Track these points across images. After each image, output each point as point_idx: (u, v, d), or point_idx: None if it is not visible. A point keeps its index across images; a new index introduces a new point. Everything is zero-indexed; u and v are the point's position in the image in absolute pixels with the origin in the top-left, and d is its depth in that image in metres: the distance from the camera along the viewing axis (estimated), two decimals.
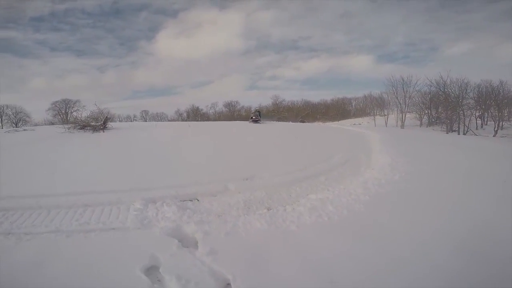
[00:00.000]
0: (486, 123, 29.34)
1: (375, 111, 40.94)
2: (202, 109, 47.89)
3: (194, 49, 71.33)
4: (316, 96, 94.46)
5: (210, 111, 48.41)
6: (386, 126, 34.85)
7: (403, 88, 34.16)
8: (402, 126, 32.74)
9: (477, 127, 28.70)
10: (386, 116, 37.15)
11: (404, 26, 74.25)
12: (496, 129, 25.88)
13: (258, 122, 15.49)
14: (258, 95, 77.16)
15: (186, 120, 38.58)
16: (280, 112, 55.87)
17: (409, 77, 34.02)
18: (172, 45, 66.30)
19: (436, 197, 4.19)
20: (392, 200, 4.09)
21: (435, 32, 71.03)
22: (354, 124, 41.14)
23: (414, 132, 21.36)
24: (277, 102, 52.40)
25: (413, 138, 12.43)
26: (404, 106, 34.25)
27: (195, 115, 46.15)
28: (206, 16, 70.74)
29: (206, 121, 37.32)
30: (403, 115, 33.83)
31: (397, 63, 63.41)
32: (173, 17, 78.16)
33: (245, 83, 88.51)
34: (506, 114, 29.64)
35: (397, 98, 34.78)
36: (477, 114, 29.34)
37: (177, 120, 42.45)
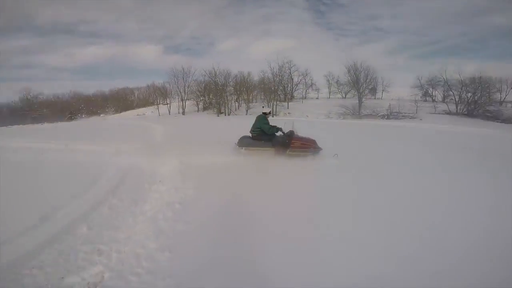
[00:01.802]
0: (241, 104, 38.53)
1: (158, 101, 40.72)
2: None
3: None
4: (93, 87, 79.50)
5: None
6: (170, 114, 35.93)
7: (183, 78, 36.26)
8: (183, 113, 35.42)
9: (235, 108, 36.85)
10: (168, 105, 38.09)
11: (193, 21, 78.73)
12: (247, 109, 34.74)
13: None
14: None
15: None
16: (35, 110, 40.73)
17: (188, 68, 36.57)
18: None
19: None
20: (199, 246, 2.79)
21: (215, 29, 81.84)
22: (138, 115, 38.50)
23: (192, 118, 23.32)
24: (29, 97, 38.50)
25: (191, 123, 13.26)
26: (184, 94, 36.58)
27: None
28: None
29: None
30: (184, 103, 36.28)
31: (181, 54, 66.80)
32: None
33: None
34: (251, 97, 40.34)
35: (178, 87, 36.53)
36: (234, 98, 37.57)
37: None
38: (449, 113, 27.48)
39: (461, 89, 28.14)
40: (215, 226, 3.16)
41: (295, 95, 40.15)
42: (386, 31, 73.21)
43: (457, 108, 27.72)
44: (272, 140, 5.97)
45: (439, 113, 27.46)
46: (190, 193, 4.02)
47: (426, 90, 33.75)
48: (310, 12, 77.43)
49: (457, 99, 28.17)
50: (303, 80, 40.05)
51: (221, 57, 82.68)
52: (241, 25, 77.82)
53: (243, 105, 36.20)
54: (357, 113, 29.04)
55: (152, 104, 41.98)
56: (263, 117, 6.08)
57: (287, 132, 5.98)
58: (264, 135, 5.96)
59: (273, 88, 34.68)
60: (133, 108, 44.57)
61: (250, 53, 67.47)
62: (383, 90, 38.66)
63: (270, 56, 72.73)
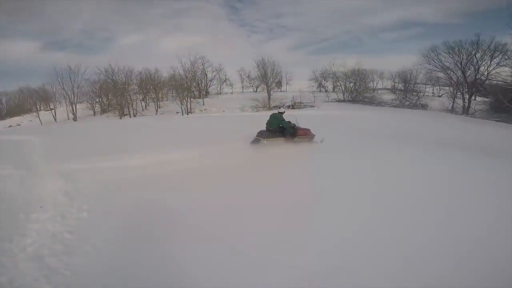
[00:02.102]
0: (149, 104, 35.19)
1: (38, 106, 32.81)
2: None
3: None
4: None
5: None
6: (56, 121, 29.56)
7: (70, 78, 30.20)
8: (75, 119, 29.80)
9: (142, 108, 33.44)
10: (53, 110, 31.22)
11: (85, 14, 64.37)
12: (157, 108, 32.07)
13: None
14: None
15: None
16: None
17: (77, 66, 30.67)
18: None
19: None
20: None
21: (114, 23, 69.62)
22: (11, 126, 30.19)
23: (86, 124, 19.97)
24: None
25: (81, 130, 11.25)
26: (73, 96, 30.63)
27: None
28: None
29: None
30: (74, 107, 30.44)
31: (68, 51, 54.98)
32: None
33: None
34: (161, 96, 37.32)
35: (63, 88, 30.25)
36: (140, 97, 33.98)
37: None
38: (338, 100, 32.40)
39: (346, 80, 33.57)
40: None
41: (210, 91, 39.54)
42: (288, 28, 79.50)
43: (344, 96, 32.93)
44: (284, 132, 7.40)
45: (331, 101, 32.05)
46: (85, 225, 3.03)
47: (320, 82, 38.78)
48: (225, 8, 77.39)
49: (343, 89, 33.42)
50: (217, 75, 39.81)
51: (122, 54, 73.22)
52: (148, 18, 70.72)
53: (152, 104, 33.21)
54: (267, 105, 30.91)
55: (29, 111, 33.62)
56: (280, 115, 7.49)
57: (292, 125, 7.44)
58: (278, 128, 7.38)
59: (185, 85, 32.98)
60: (2, 119, 34.70)
61: (159, 49, 62.34)
62: (287, 83, 42.36)
63: (181, 52, 69.12)
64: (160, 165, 5.54)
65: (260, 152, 6.80)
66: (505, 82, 22.74)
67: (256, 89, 41.16)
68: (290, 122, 7.45)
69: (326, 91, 37.11)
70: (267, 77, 33.84)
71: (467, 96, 25.57)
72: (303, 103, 30.56)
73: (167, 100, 35.14)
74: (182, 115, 29.88)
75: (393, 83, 34.43)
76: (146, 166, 5.54)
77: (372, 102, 30.29)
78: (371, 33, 68.67)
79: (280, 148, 7.00)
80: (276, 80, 37.88)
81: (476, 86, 25.51)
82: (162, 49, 62.65)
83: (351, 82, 33.06)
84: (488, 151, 7.75)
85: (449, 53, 26.58)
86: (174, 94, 34.59)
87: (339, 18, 72.02)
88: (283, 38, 76.64)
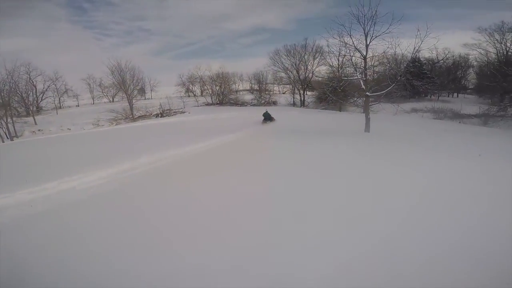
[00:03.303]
0: None
1: None
2: None
3: None
4: None
5: None
6: None
7: None
8: None
9: None
10: None
11: None
12: None
13: None
14: None
15: None
16: None
17: None
18: None
19: None
20: None
21: None
22: None
23: None
24: None
25: None
26: None
27: None
28: None
29: None
30: None
31: None
32: None
33: None
34: None
35: None
36: None
37: None
38: (207, 104, 33.37)
39: (212, 83, 34.99)
40: None
41: (43, 106, 30.73)
42: (152, 32, 74.33)
43: (212, 99, 34.27)
44: (270, 118, 16.33)
45: (200, 105, 32.57)
46: None
47: (188, 86, 38.56)
48: (67, 8, 61.34)
49: (210, 92, 34.77)
50: (54, 86, 31.38)
51: None
52: None
53: None
54: (130, 116, 27.46)
55: None
56: (269, 113, 16.59)
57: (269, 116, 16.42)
58: (269, 117, 16.43)
59: (1, 101, 23.89)
60: None
61: None
62: (151, 90, 39.47)
63: None
64: None
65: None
66: (324, 78, 30.31)
67: (113, 99, 35.84)
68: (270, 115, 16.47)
69: (194, 95, 37.31)
70: (126, 84, 30.02)
71: (301, 92, 32.73)
72: (173, 110, 29.31)
73: None
74: (3, 141, 21.55)
75: (250, 84, 39.01)
76: None
77: (237, 103, 33.14)
78: (231, 38, 75.10)
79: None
80: (138, 87, 34.42)
81: (306, 83, 32.89)
82: None
83: (217, 86, 34.81)
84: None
85: (287, 55, 32.99)
86: None
87: (203, 23, 74.17)
88: (146, 42, 70.69)
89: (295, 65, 32.93)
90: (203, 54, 72.35)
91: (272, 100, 33.40)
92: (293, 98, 32.99)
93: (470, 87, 33.10)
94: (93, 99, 37.16)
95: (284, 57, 33.18)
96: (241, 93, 38.82)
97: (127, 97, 29.00)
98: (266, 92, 34.57)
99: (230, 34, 73.05)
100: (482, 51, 27.82)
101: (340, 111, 25.43)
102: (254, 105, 31.99)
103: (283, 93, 36.80)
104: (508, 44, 25.75)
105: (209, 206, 4.27)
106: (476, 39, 27.46)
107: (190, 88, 38.71)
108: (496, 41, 26.47)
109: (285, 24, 72.48)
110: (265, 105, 31.22)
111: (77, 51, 60.17)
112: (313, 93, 32.42)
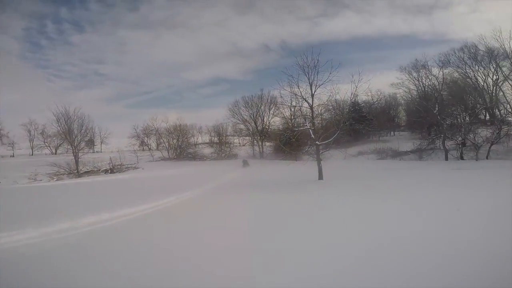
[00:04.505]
0: None
1: None
2: None
3: None
4: None
5: None
6: None
7: None
8: None
9: None
10: None
11: None
12: None
13: None
14: None
15: None
16: None
17: None
18: None
19: None
20: None
21: None
22: None
23: None
24: None
25: None
26: None
27: None
28: None
29: None
30: None
31: None
32: None
33: None
34: None
35: None
36: None
37: None
38: (164, 159, 31.94)
39: (169, 136, 34.04)
40: None
41: None
42: (108, 77, 71.93)
43: (168, 153, 32.95)
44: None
45: (156, 160, 31.10)
46: None
47: (142, 139, 37.09)
48: (23, 43, 56.93)
49: (167, 146, 33.63)
50: None
51: None
52: None
53: None
54: (74, 171, 24.65)
55: None
56: (246, 160, 25.98)
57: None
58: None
59: None
60: None
61: None
62: (101, 142, 36.94)
63: None
64: None
65: None
66: (278, 129, 30.49)
67: (56, 150, 32.28)
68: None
69: (149, 149, 35.86)
70: (73, 135, 26.80)
71: (260, 143, 33.69)
72: (124, 165, 27.34)
73: None
74: None
75: (210, 137, 39.19)
76: None
77: (195, 157, 32.30)
78: (191, 88, 76.05)
79: None
80: (87, 139, 31.31)
81: (264, 134, 33.66)
82: None
83: (174, 139, 33.97)
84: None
85: (245, 106, 34.07)
86: None
87: (162, 71, 74.64)
88: (101, 87, 67.81)
89: (253, 116, 33.90)
90: (160, 104, 71.50)
91: (233, 153, 33.38)
92: (253, 149, 33.74)
93: (403, 124, 36.05)
94: (32, 149, 32.92)
95: (243, 108, 34.13)
96: (200, 146, 38.36)
97: (73, 150, 26.00)
98: (226, 145, 34.63)
99: (190, 84, 75.00)
100: (406, 89, 29.73)
101: (296, 160, 26.67)
102: (214, 159, 31.52)
103: (243, 145, 37.35)
104: (424, 80, 27.08)
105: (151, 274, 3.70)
106: (399, 78, 29.37)
107: (145, 141, 37.34)
108: (414, 78, 28.21)
109: (243, 74, 76.92)
110: (226, 159, 31.28)
111: (22, 91, 54.42)
112: (271, 143, 33.18)
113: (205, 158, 31.90)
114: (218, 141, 35.51)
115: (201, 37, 71.59)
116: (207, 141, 39.00)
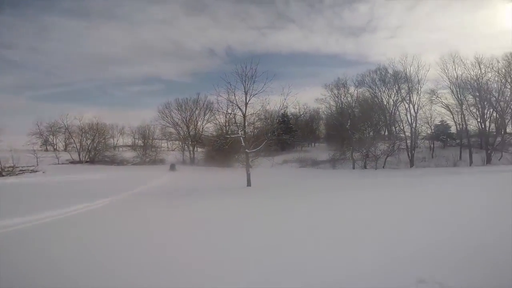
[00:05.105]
0: None
1: None
2: None
3: None
4: None
5: None
6: None
7: None
8: None
9: None
10: None
11: None
12: None
13: None
14: None
15: None
16: None
17: None
18: None
19: None
20: None
21: None
22: None
23: None
24: None
25: None
26: None
27: None
28: None
29: None
30: None
31: None
32: None
33: None
34: None
35: None
36: None
37: None
38: (73, 162, 27.26)
39: (82, 136, 29.19)
40: None
41: None
42: (17, 64, 56.87)
43: (79, 156, 28.26)
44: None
45: (63, 163, 26.26)
46: None
47: (47, 138, 30.86)
48: None
49: (78, 147, 28.71)
50: None
51: None
52: None
53: None
54: None
55: None
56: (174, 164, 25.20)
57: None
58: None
59: None
60: None
61: None
62: None
63: None
64: None
65: None
66: (212, 135, 30.09)
67: None
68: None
69: (55, 149, 30.02)
70: None
71: (191, 148, 32.36)
72: (19, 167, 21.99)
73: None
74: None
75: (133, 139, 35.52)
76: None
77: (114, 161, 28.66)
78: (118, 85, 66.50)
79: None
80: None
81: (196, 139, 32.48)
82: None
83: (89, 139, 29.43)
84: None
85: (178, 109, 32.19)
86: None
87: (84, 62, 62.24)
88: (4, 74, 52.56)
89: (186, 120, 32.41)
90: (75, 99, 59.96)
91: (159, 157, 30.91)
92: (183, 155, 32.03)
93: (322, 136, 39.79)
94: None
95: (175, 111, 32.30)
96: (120, 149, 34.45)
97: None
98: (152, 149, 31.94)
99: (118, 80, 65.91)
100: (327, 105, 32.11)
101: (228, 167, 26.75)
102: (136, 164, 28.71)
103: (172, 150, 35.21)
104: (342, 98, 30.33)
105: None
106: (323, 94, 31.38)
107: (49, 140, 31.13)
108: (335, 95, 30.75)
109: (180, 76, 71.86)
110: (151, 164, 28.91)
111: None
112: (203, 149, 32.43)
113: (125, 163, 28.57)
114: (142, 144, 32.42)
115: (142, 32, 64.47)
116: (130, 143, 35.29)
